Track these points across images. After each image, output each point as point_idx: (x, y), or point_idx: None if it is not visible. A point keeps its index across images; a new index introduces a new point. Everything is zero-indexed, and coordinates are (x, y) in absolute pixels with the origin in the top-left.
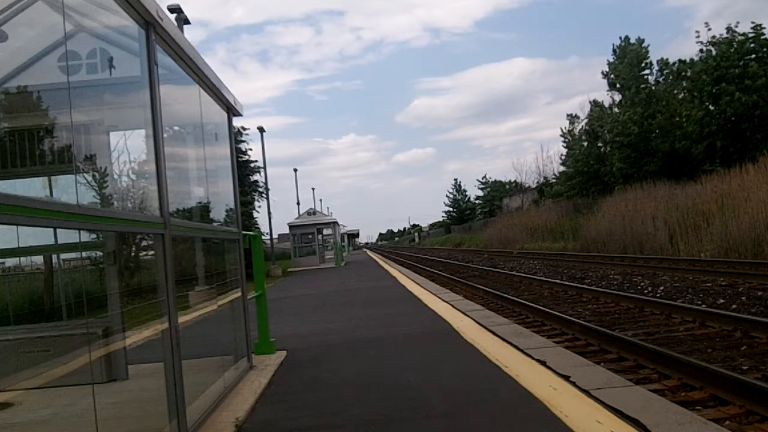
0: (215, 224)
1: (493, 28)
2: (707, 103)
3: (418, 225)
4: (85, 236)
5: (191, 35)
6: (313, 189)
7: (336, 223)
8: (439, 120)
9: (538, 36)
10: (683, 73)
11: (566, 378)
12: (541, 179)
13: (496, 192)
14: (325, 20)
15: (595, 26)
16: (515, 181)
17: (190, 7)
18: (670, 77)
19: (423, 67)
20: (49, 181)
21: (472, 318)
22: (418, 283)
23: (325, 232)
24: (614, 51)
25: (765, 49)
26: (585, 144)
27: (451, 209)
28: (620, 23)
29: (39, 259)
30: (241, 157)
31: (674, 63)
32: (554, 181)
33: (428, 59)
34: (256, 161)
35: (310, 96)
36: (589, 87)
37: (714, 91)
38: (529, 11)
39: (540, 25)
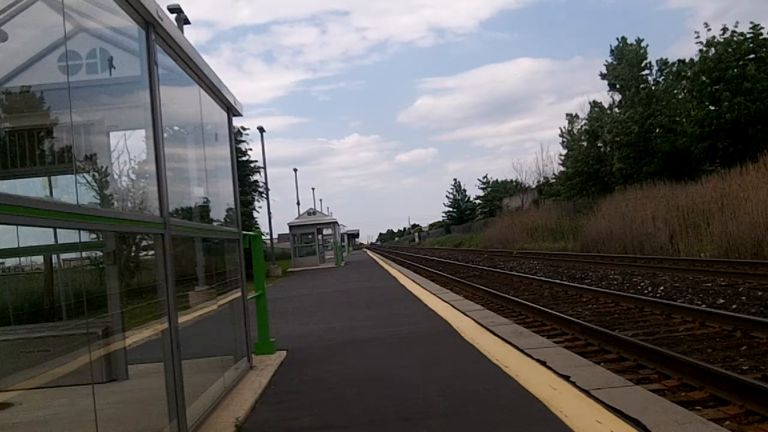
0: (215, 224)
1: (497, 28)
2: (707, 103)
3: (418, 225)
4: (85, 236)
5: (197, 35)
6: (313, 189)
7: (336, 223)
8: (442, 120)
9: (542, 37)
10: (683, 73)
11: (566, 378)
12: (541, 179)
13: (497, 192)
14: (330, 20)
15: (599, 27)
16: (515, 180)
17: (197, 7)
18: (670, 77)
19: (427, 67)
20: (49, 181)
21: (472, 318)
22: (418, 283)
23: (325, 232)
24: (612, 52)
25: (764, 50)
26: (584, 144)
27: (451, 209)
28: (624, 23)
29: (39, 259)
30: (241, 157)
31: (673, 63)
32: (554, 181)
33: (433, 59)
34: (256, 161)
35: (314, 96)
36: (592, 87)
37: (712, 91)
38: (533, 12)
39: (545, 26)
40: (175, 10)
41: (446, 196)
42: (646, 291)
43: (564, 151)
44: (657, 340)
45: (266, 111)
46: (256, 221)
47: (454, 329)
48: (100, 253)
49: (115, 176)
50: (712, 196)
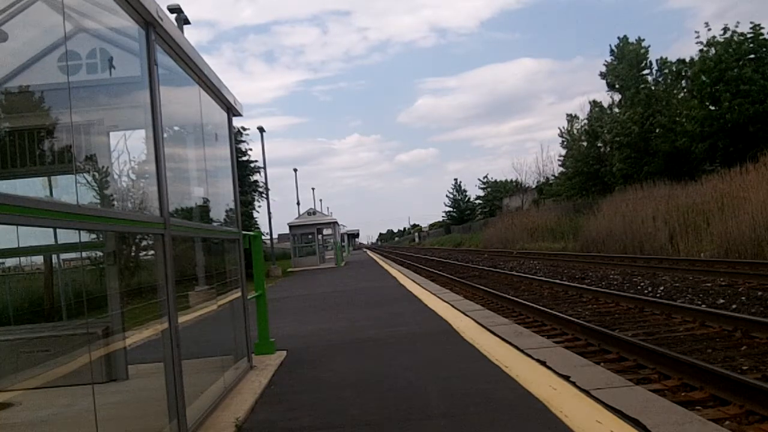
0: (215, 224)
1: (498, 28)
2: (707, 103)
3: (418, 225)
4: (85, 236)
5: (198, 35)
6: (313, 189)
7: (336, 223)
8: (442, 120)
9: (543, 37)
10: (683, 73)
11: (566, 378)
12: (541, 179)
13: (497, 192)
14: (331, 20)
15: (600, 27)
16: (515, 180)
17: (198, 7)
18: (669, 77)
19: (428, 67)
20: (49, 181)
21: (472, 318)
22: (418, 283)
23: (325, 232)
24: (612, 51)
25: (764, 50)
26: (584, 144)
27: (451, 209)
28: (625, 24)
29: (39, 259)
30: (241, 157)
31: (674, 63)
32: (554, 181)
33: (433, 59)
34: (256, 161)
35: (315, 96)
36: (592, 87)
37: (713, 91)
38: (534, 12)
39: (545, 26)
40: (175, 10)
41: (446, 196)
42: (646, 291)
43: (564, 152)
44: (657, 340)
45: (267, 111)
46: (256, 221)
47: (454, 329)
48: (100, 253)
49: (115, 176)
50: (712, 196)
